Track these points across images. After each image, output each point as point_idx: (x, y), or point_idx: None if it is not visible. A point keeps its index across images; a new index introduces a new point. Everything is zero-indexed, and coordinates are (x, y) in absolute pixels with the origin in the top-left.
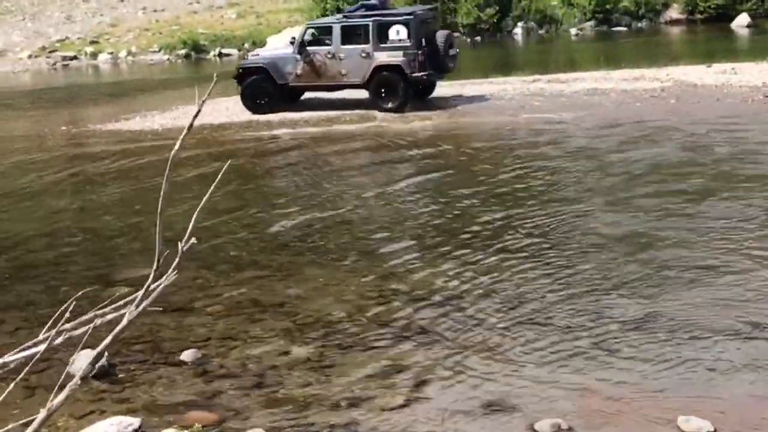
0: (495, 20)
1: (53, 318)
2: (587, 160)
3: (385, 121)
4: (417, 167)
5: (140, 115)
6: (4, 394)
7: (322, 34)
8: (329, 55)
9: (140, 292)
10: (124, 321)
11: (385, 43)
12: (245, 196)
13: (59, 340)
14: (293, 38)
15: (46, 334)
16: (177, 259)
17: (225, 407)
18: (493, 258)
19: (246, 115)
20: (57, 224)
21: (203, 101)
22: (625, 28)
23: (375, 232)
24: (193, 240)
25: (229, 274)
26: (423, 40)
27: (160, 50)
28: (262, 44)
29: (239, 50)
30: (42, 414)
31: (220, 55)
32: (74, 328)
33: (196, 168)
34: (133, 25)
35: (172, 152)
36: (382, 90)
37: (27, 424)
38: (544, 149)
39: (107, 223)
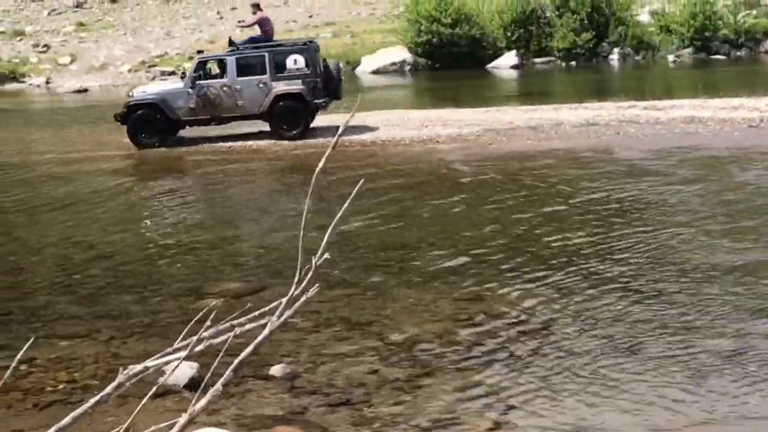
0: (591, 45)
1: (188, 326)
2: (684, 185)
3: (412, 140)
4: (509, 190)
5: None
6: (143, 401)
7: (215, 68)
8: (225, 88)
9: (282, 301)
10: (266, 331)
11: (283, 72)
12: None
13: (199, 348)
14: (183, 72)
15: (184, 342)
16: (310, 273)
17: (312, 423)
18: (583, 284)
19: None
20: (151, 235)
21: (348, 119)
22: (723, 57)
23: (464, 253)
24: (327, 255)
25: (320, 291)
26: (318, 69)
27: None
28: (354, 63)
29: None
30: (183, 418)
31: None
32: (213, 337)
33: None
34: None
35: (316, 171)
36: (284, 119)
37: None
38: (637, 174)
39: (199, 236)
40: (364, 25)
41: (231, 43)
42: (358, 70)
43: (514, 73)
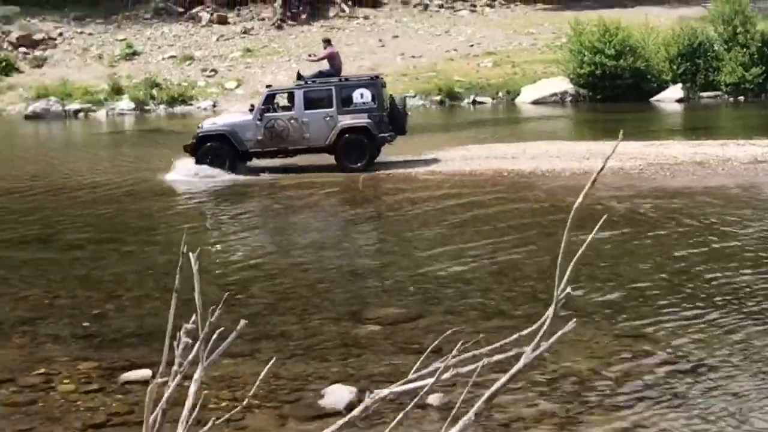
0: (760, 80)
1: (427, 351)
2: None
3: (638, 174)
4: (670, 225)
5: (392, 159)
6: (390, 427)
7: (283, 101)
8: (292, 120)
9: (539, 333)
10: (520, 364)
11: (349, 106)
12: (501, 240)
13: (446, 375)
14: (252, 105)
15: (432, 368)
16: (552, 309)
17: None
18: (745, 322)
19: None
20: (311, 258)
21: (610, 155)
22: None
23: (622, 288)
24: (569, 290)
25: (476, 321)
26: (384, 103)
27: (415, 95)
28: (514, 93)
29: (493, 99)
30: None
31: (474, 102)
32: (460, 365)
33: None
34: (390, 70)
35: (576, 204)
36: (349, 151)
37: None
38: None
39: (361, 261)
40: (526, 55)
41: (299, 76)
42: (518, 100)
43: (678, 107)
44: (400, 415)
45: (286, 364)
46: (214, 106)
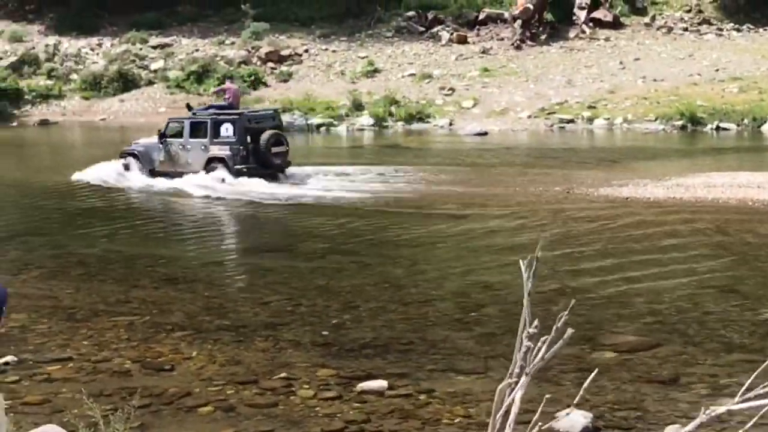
0: None
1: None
2: None
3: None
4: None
5: (633, 183)
6: None
7: (179, 128)
8: (181, 146)
9: None
10: None
11: (218, 138)
12: (740, 273)
13: None
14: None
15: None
16: None
17: None
18: None
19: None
20: (542, 280)
21: None
22: None
23: None
24: None
25: (718, 353)
26: (249, 138)
27: (656, 119)
28: (760, 120)
29: (737, 125)
30: None
31: (718, 129)
32: None
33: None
34: (631, 93)
35: None
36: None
37: None
38: None
39: (596, 284)
40: None
41: (189, 107)
42: (765, 128)
43: None
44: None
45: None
46: (450, 124)
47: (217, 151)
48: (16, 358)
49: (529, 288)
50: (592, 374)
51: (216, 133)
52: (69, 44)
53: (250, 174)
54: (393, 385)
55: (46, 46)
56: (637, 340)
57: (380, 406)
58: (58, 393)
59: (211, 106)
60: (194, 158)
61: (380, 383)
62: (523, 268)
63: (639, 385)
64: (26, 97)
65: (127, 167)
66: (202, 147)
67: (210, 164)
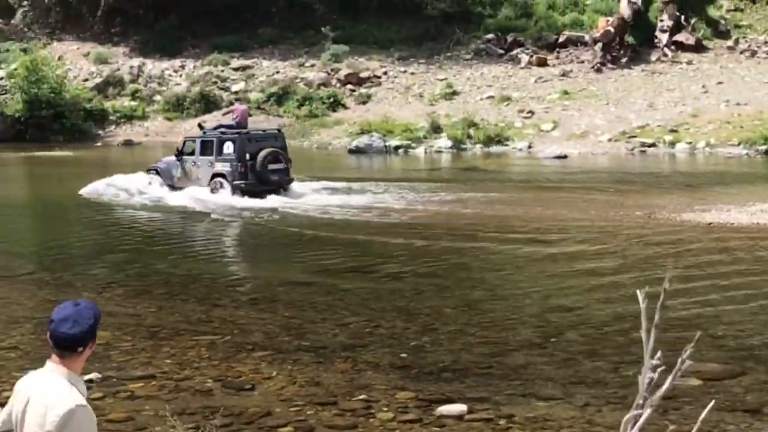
0: None
1: None
2: None
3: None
4: None
5: (715, 208)
6: None
7: (193, 146)
8: (193, 163)
9: None
10: None
11: (221, 155)
12: None
13: None
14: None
15: None
16: None
17: None
18: None
19: None
20: (625, 304)
21: None
22: None
23: None
24: None
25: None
26: (248, 155)
27: (739, 144)
28: None
29: None
30: None
31: None
32: None
33: None
34: (714, 117)
35: None
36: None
37: None
38: None
39: (677, 309)
40: None
41: (201, 127)
42: None
43: None
44: None
45: (601, 411)
46: (529, 147)
47: (220, 167)
48: (100, 375)
49: (656, 320)
50: (709, 406)
51: (220, 151)
52: (153, 66)
53: (248, 189)
54: (472, 409)
55: (131, 67)
56: (722, 368)
57: (459, 430)
58: (140, 410)
59: (220, 126)
60: (203, 174)
61: (460, 407)
62: (640, 299)
63: (723, 414)
64: (111, 117)
65: (151, 182)
66: (209, 164)
67: (213, 179)
